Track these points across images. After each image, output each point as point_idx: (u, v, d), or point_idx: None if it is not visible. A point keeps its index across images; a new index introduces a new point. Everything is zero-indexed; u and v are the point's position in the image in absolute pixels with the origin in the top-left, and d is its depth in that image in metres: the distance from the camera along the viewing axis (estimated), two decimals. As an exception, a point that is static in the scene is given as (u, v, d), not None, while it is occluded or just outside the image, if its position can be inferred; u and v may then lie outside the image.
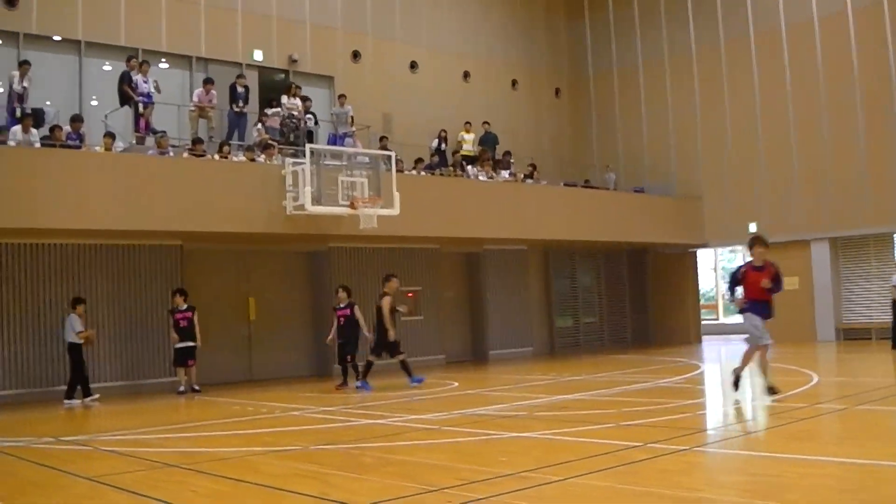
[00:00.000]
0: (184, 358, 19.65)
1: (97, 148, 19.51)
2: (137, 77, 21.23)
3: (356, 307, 19.09)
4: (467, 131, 28.47)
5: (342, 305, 19.05)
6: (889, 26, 26.73)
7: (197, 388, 19.70)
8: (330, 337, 19.43)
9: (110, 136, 19.60)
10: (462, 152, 27.93)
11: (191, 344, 19.60)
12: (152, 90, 21.42)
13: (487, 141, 28.64)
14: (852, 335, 27.95)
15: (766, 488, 7.60)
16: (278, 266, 23.77)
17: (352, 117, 25.19)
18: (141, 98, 21.10)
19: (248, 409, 15.64)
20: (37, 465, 10.31)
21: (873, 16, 27.09)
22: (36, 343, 19.20)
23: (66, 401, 18.04)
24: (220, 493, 8.24)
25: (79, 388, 18.24)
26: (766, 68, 29.62)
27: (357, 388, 18.39)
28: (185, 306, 19.67)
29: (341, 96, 25.38)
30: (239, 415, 14.95)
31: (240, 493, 8.22)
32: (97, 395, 18.38)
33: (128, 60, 21.62)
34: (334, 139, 24.55)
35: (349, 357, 19.05)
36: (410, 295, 25.38)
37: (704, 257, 35.95)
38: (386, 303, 18.53)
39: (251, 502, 7.76)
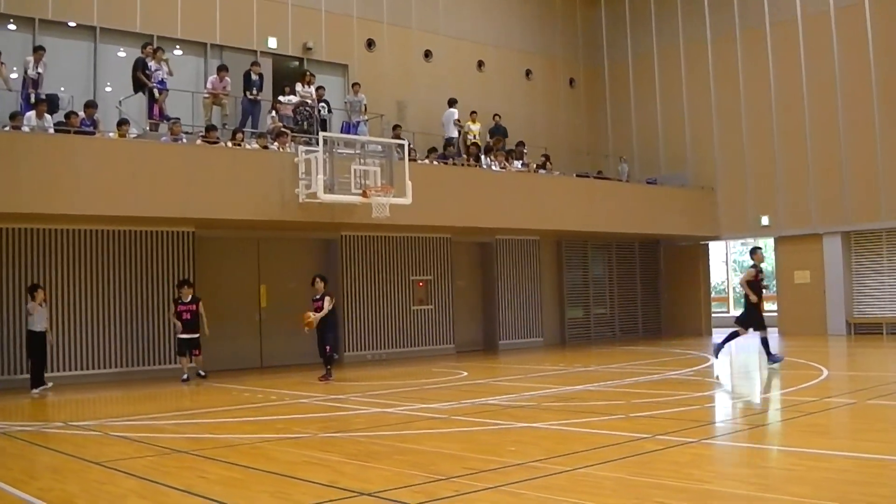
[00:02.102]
0: (188, 348, 19.45)
1: (111, 134, 19.55)
2: (152, 64, 21.28)
3: (328, 298, 18.48)
4: (473, 121, 28.33)
5: (317, 297, 18.52)
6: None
7: (202, 373, 19.63)
8: (310, 320, 18.35)
9: (125, 123, 19.64)
10: (468, 143, 27.83)
11: (194, 335, 19.40)
12: (165, 75, 21.46)
13: (497, 133, 28.58)
14: (863, 329, 27.90)
15: (774, 481, 7.63)
16: (290, 254, 23.78)
17: (365, 105, 25.20)
18: (155, 85, 21.15)
19: (259, 397, 15.69)
20: (49, 449, 10.39)
21: (890, 6, 26.95)
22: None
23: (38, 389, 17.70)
24: (231, 480, 8.29)
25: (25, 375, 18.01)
26: (781, 59, 29.51)
27: (771, 364, 17.74)
28: (189, 298, 19.42)
29: (355, 84, 25.38)
30: (249, 402, 15.01)
31: (250, 479, 8.27)
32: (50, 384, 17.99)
33: (143, 47, 21.68)
34: (348, 127, 24.57)
35: (328, 347, 18.52)
36: (421, 284, 25.43)
37: (716, 250, 35.92)
38: (747, 275, 18.20)
39: (262, 489, 7.79)
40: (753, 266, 18.40)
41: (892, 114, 26.85)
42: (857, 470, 7.97)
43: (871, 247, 28.31)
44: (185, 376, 19.23)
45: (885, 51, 27.04)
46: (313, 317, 18.19)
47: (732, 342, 18.44)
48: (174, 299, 19.80)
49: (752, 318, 18.19)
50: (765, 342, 18.14)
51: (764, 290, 18.62)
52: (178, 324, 19.29)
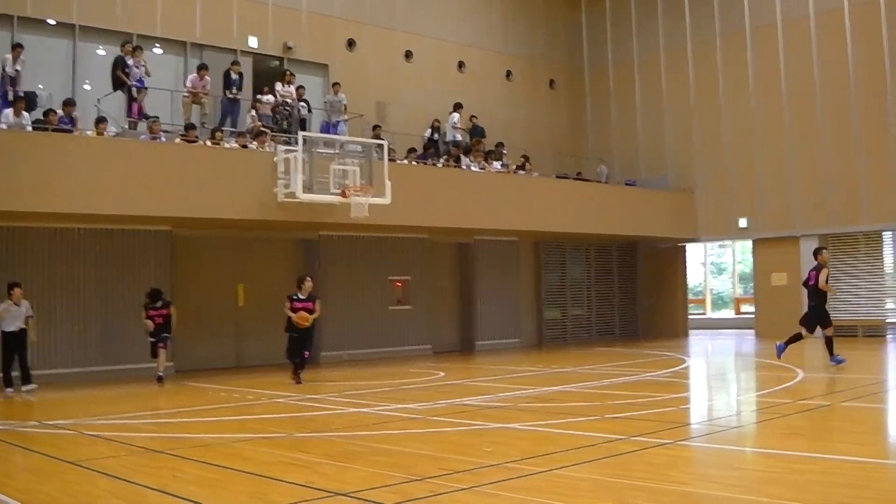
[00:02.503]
0: (155, 347, 18.91)
1: (89, 132, 19.47)
2: (131, 62, 21.19)
3: (318, 301, 18.09)
4: (454, 123, 28.44)
5: (303, 297, 17.88)
6: (885, 23, 26.76)
7: (160, 374, 18.79)
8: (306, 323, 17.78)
9: (103, 121, 19.55)
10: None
11: (164, 335, 18.89)
12: (143, 75, 21.37)
13: (475, 134, 28.62)
14: (839, 332, 27.79)
15: (750, 483, 7.66)
16: (268, 253, 23.74)
17: (345, 105, 25.18)
18: (134, 83, 21.06)
19: (235, 396, 15.65)
20: (25, 449, 10.33)
21: (869, 12, 27.12)
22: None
23: (24, 387, 17.55)
24: (207, 480, 8.27)
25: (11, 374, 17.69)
26: (761, 64, 29.63)
27: (835, 363, 17.63)
28: (159, 303, 18.88)
29: (335, 84, 25.36)
30: (226, 401, 14.97)
31: (226, 479, 8.24)
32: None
33: (122, 45, 21.58)
34: (327, 127, 24.55)
35: (306, 353, 18.06)
36: (399, 284, 25.42)
37: (693, 252, 36.02)
38: (823, 275, 18.00)
39: (237, 489, 7.78)
40: (825, 267, 18.30)
41: (871, 118, 27.01)
42: (835, 472, 8.01)
43: (847, 250, 28.48)
44: (160, 373, 18.81)
45: (864, 55, 27.21)
46: (310, 319, 17.77)
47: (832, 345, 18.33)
48: (144, 304, 19.07)
49: (821, 317, 18.16)
50: (796, 338, 18.21)
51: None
52: (150, 323, 18.68)
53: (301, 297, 17.82)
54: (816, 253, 18.83)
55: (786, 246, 28.83)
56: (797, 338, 18.30)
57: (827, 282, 18.13)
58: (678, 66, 31.79)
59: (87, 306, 20.14)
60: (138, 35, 22.72)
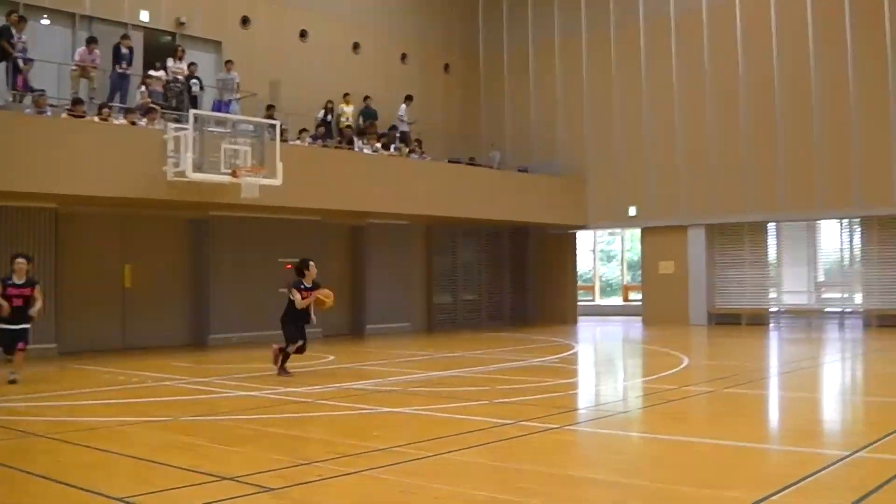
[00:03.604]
0: (13, 341, 14.53)
1: (-32, 103, 18.87)
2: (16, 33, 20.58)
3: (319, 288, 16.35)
4: (347, 103, 28.26)
5: (308, 286, 16.07)
6: (774, 19, 27.43)
7: (13, 376, 14.42)
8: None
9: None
10: (341, 125, 27.76)
11: (23, 326, 14.70)
12: (24, 48, 20.76)
13: (368, 116, 28.56)
14: (723, 320, 28.73)
15: (635, 467, 7.81)
16: (157, 233, 23.29)
17: (238, 84, 24.85)
18: (19, 55, 20.45)
19: (120, 378, 15.36)
20: None
21: (759, 8, 27.79)
22: None
23: None
24: (89, 464, 8.09)
25: None
26: (653, 55, 30.12)
27: None
28: (23, 280, 14.71)
29: (228, 62, 25.01)
30: (110, 384, 14.68)
31: (109, 463, 8.09)
32: None
33: (7, 14, 20.92)
34: (219, 106, 24.21)
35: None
36: (288, 266, 25.18)
37: (583, 239, 36.48)
38: None
39: (121, 473, 7.64)
40: None
41: (758, 111, 27.68)
42: (715, 455, 8.21)
43: (732, 239, 29.18)
44: (12, 376, 14.46)
45: (752, 49, 27.85)
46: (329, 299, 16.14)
47: None
48: (1, 280, 14.85)
49: None
50: None
51: None
52: (6, 305, 14.40)
53: (307, 285, 16.13)
54: None
55: (673, 235, 29.42)
56: None
57: None
58: (572, 54, 32.10)
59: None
60: (25, 5, 22.04)
